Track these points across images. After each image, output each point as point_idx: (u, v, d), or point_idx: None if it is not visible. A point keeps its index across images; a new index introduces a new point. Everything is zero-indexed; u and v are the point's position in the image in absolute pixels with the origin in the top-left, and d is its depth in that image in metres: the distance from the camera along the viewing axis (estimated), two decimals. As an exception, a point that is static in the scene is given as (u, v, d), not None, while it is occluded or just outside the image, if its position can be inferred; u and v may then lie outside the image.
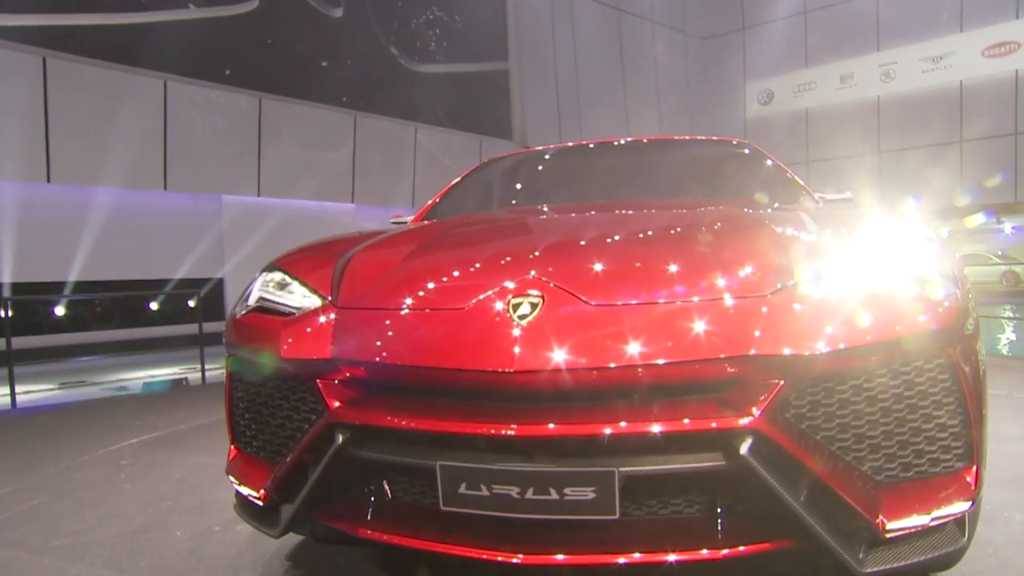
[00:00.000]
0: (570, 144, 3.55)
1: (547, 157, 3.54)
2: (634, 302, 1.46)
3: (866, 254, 1.58)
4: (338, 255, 1.92)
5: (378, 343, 1.54)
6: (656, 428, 1.32)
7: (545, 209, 2.62)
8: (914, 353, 1.46)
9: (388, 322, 1.58)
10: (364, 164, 13.19)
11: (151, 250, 10.92)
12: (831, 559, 1.34)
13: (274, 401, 1.72)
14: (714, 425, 1.31)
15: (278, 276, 1.89)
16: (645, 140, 3.49)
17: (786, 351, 1.35)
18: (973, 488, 1.49)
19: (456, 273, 1.76)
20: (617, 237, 1.88)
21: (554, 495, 1.34)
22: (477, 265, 1.78)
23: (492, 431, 1.36)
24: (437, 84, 14.62)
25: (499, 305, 1.49)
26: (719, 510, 1.42)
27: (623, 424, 1.33)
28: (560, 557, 1.37)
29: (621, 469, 1.33)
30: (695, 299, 1.45)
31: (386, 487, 1.59)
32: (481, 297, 1.53)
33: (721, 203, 2.46)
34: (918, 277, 1.54)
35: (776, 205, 2.48)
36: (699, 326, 1.39)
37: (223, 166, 11.36)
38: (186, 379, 6.73)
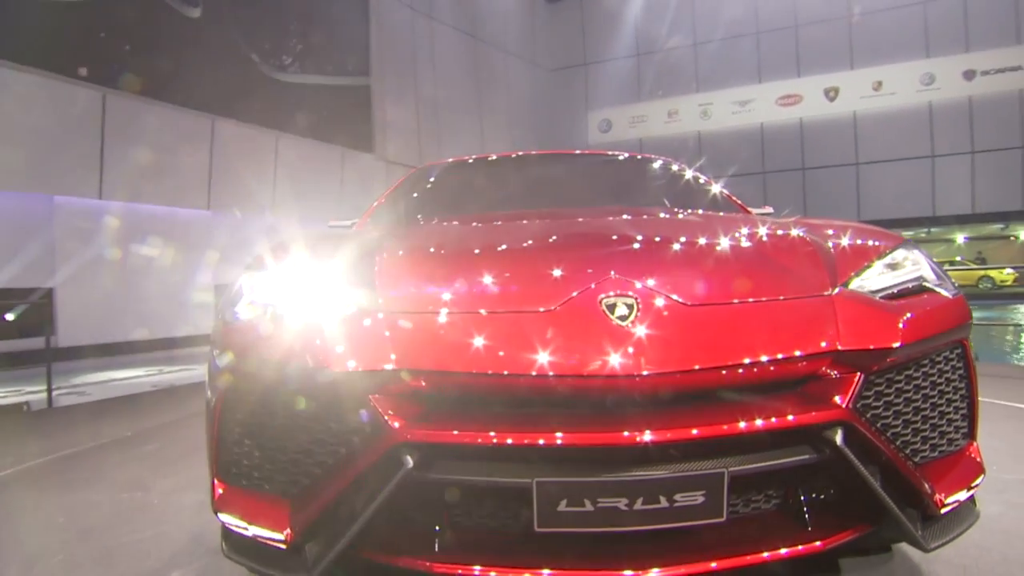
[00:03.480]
0: (519, 153, 3.26)
1: (490, 165, 3.17)
2: (725, 302, 1.34)
3: (886, 257, 1.56)
4: (344, 252, 1.61)
5: (454, 350, 1.24)
6: (761, 425, 1.18)
7: (554, 212, 2.29)
8: (947, 344, 1.46)
9: (462, 326, 1.28)
10: (222, 170, 11.26)
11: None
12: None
13: (298, 423, 1.33)
14: (813, 418, 1.21)
15: (278, 275, 1.51)
16: (588, 153, 3.34)
17: (867, 345, 1.30)
18: (980, 460, 1.50)
19: (525, 272, 1.47)
20: (670, 239, 1.70)
21: (664, 503, 1.16)
22: (545, 263, 1.49)
23: (606, 441, 1.15)
24: (299, 94, 12.94)
25: (592, 306, 1.29)
26: (804, 503, 1.31)
27: (731, 423, 1.18)
28: (683, 569, 1.18)
29: (730, 469, 1.18)
30: (776, 297, 1.36)
31: (447, 512, 1.28)
32: (567, 298, 1.31)
33: (721, 211, 2.34)
34: (930, 278, 1.55)
35: (767, 214, 2.41)
36: (790, 323, 1.31)
37: (57, 164, 9.05)
38: (28, 403, 4.97)
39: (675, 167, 3.07)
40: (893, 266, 1.54)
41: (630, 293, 1.30)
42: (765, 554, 1.22)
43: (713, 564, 1.19)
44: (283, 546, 1.28)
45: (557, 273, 1.41)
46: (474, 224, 1.94)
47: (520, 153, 3.26)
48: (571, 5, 20.88)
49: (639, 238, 1.67)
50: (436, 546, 1.25)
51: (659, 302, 1.29)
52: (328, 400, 1.29)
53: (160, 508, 2.49)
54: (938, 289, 1.53)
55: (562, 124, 21.06)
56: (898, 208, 16.85)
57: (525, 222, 2.05)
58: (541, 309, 1.29)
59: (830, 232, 1.67)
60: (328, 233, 1.96)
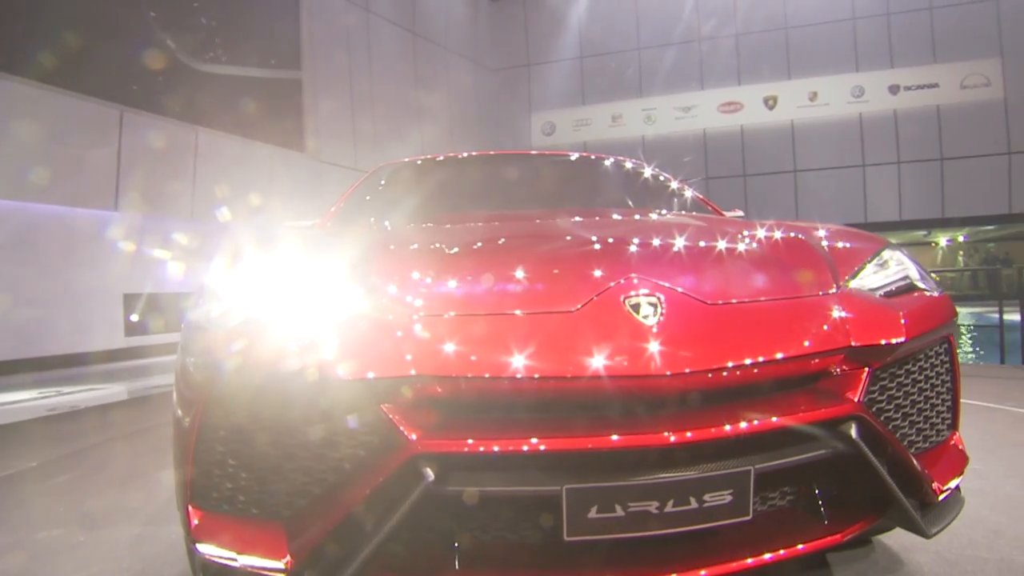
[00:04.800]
0: (489, 153, 3.25)
1: (459, 164, 3.10)
2: (744, 301, 1.35)
3: (876, 258, 1.60)
4: (328, 252, 1.56)
5: (474, 354, 1.16)
6: (784, 421, 1.19)
7: (557, 212, 2.26)
8: (937, 339, 1.53)
9: (481, 329, 1.22)
10: (133, 167, 10.12)
11: None
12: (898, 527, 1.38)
13: (296, 439, 1.22)
14: (831, 413, 1.24)
15: (260, 274, 1.40)
16: (559, 153, 3.26)
17: (876, 341, 1.33)
18: (963, 448, 1.60)
19: (541, 272, 1.40)
20: (680, 240, 1.63)
21: (694, 504, 1.14)
22: (561, 263, 1.47)
23: (638, 442, 1.11)
24: (222, 87, 11.89)
25: (616, 306, 1.26)
26: (818, 497, 1.33)
27: (756, 421, 1.17)
28: (715, 570, 1.15)
29: (756, 467, 1.18)
30: (789, 296, 1.39)
31: (465, 526, 1.21)
32: (590, 298, 1.27)
33: (700, 213, 2.46)
34: (916, 277, 1.62)
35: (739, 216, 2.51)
36: (805, 321, 1.33)
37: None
38: None
39: (651, 170, 3.08)
40: (883, 266, 1.60)
41: (653, 292, 1.28)
42: (793, 548, 1.23)
43: (747, 561, 1.19)
44: (282, 575, 1.19)
45: (575, 273, 1.39)
46: (474, 224, 1.91)
47: (490, 153, 3.21)
48: (514, 4, 20.48)
49: (650, 239, 1.65)
50: (456, 563, 1.19)
51: (681, 301, 1.29)
52: (332, 411, 1.20)
53: (89, 546, 2.23)
54: (925, 288, 1.61)
55: (505, 125, 20.62)
56: (833, 215, 17.23)
57: (530, 222, 2.00)
58: (564, 310, 1.26)
59: (819, 234, 1.72)
60: (301, 233, 1.88)
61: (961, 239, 24.56)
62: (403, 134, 16.58)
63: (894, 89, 17.48)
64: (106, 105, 9.73)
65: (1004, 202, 16.83)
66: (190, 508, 1.32)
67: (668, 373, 1.15)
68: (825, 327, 1.32)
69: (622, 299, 1.26)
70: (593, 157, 3.20)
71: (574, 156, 3.20)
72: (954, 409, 1.60)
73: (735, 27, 18.30)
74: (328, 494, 1.20)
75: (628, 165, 3.11)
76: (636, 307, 1.25)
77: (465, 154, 3.19)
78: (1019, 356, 6.37)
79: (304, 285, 1.37)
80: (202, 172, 11.36)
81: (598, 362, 1.15)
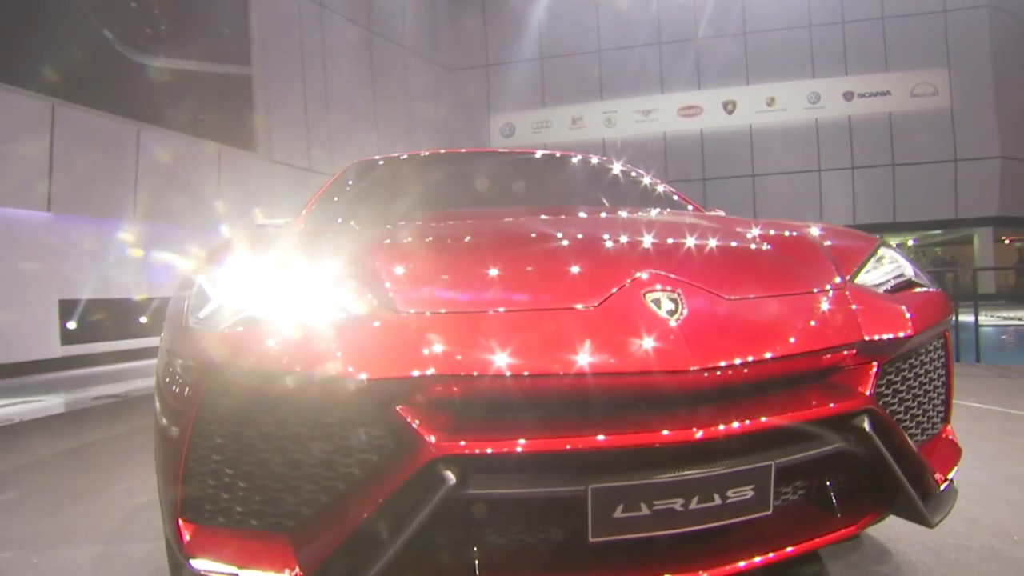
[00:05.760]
0: (464, 149, 3.32)
1: (440, 161, 3.12)
2: (760, 296, 1.37)
3: (874, 256, 1.63)
4: (320, 249, 1.51)
5: (495, 350, 1.13)
6: (802, 415, 1.21)
7: (559, 209, 2.30)
8: (937, 333, 1.58)
9: (500, 326, 1.19)
10: (67, 166, 9.65)
11: None
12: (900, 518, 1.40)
13: (302, 445, 1.17)
14: (846, 406, 1.26)
15: (254, 273, 1.34)
16: (535, 152, 3.24)
17: (886, 335, 1.36)
18: (956, 440, 1.66)
19: (557, 269, 1.41)
20: (691, 236, 1.65)
21: (717, 500, 1.14)
22: (576, 260, 1.45)
23: (665, 439, 1.11)
24: (166, 81, 11.45)
25: (637, 301, 1.25)
26: (830, 490, 1.36)
27: (777, 416, 1.19)
28: (738, 565, 1.17)
29: (777, 462, 1.19)
30: (802, 291, 1.41)
31: (484, 530, 1.19)
32: (609, 294, 1.26)
33: (684, 209, 2.60)
34: (912, 274, 1.65)
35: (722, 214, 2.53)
36: (819, 316, 1.35)
37: None
38: None
39: (632, 168, 3.13)
40: (880, 263, 1.63)
41: (672, 288, 1.28)
42: (811, 541, 1.25)
43: (769, 555, 1.19)
44: None
45: (592, 269, 1.39)
46: (474, 221, 1.92)
47: (462, 150, 3.25)
48: (473, 3, 20.49)
49: (661, 235, 1.66)
50: (476, 569, 1.17)
51: (701, 296, 1.29)
52: (342, 414, 1.16)
53: (43, 568, 2.10)
54: (922, 284, 1.64)
55: (463, 126, 20.55)
56: (790, 219, 17.79)
57: (532, 219, 2.00)
58: (583, 306, 1.24)
59: (817, 232, 1.75)
60: (290, 230, 1.87)
61: (911, 243, 25.65)
62: (359, 134, 16.34)
63: (848, 96, 18.13)
64: (37, 98, 9.30)
65: (951, 207, 17.63)
66: (181, 522, 1.25)
67: (693, 368, 1.14)
68: (838, 322, 1.34)
69: (642, 294, 1.26)
70: (574, 155, 3.23)
71: (556, 154, 3.23)
72: (948, 402, 1.65)
73: (695, 32, 18.69)
74: (338, 502, 1.16)
75: (611, 164, 3.16)
76: (657, 302, 1.24)
77: (432, 152, 3.17)
78: (973, 354, 6.64)
79: (307, 281, 1.32)
80: (144, 171, 10.96)
81: (622, 358, 1.14)
